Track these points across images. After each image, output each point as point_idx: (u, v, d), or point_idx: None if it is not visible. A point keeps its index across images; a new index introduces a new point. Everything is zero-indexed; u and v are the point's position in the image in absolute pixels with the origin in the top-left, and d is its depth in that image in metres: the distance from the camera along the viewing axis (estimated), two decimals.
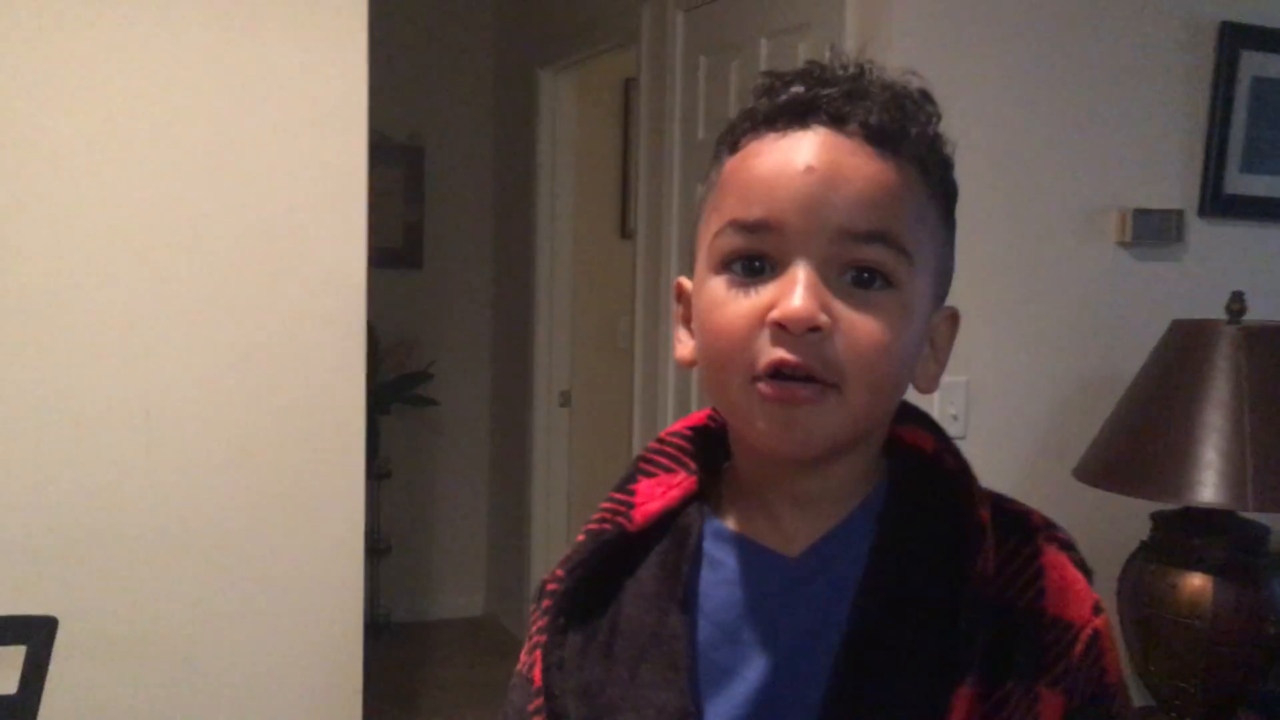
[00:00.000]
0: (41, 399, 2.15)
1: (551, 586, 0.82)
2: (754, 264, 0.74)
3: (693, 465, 0.85)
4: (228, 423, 2.25)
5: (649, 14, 3.33)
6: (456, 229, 4.81)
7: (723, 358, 0.75)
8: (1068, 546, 0.79)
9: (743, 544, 0.81)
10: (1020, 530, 0.78)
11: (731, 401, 0.76)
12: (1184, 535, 2.05)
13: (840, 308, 0.72)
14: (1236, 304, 2.06)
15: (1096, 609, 0.78)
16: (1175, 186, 2.51)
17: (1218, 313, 2.09)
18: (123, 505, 2.19)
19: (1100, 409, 2.20)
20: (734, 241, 0.75)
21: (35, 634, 1.68)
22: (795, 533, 0.79)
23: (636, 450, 3.68)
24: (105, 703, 2.19)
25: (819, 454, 0.76)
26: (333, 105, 2.28)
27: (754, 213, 0.74)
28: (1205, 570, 1.99)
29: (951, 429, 1.23)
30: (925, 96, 0.79)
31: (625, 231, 4.42)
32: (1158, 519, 2.12)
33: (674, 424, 0.89)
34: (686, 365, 0.84)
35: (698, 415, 0.89)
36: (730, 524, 0.82)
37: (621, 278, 3.96)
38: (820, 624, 0.76)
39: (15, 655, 1.72)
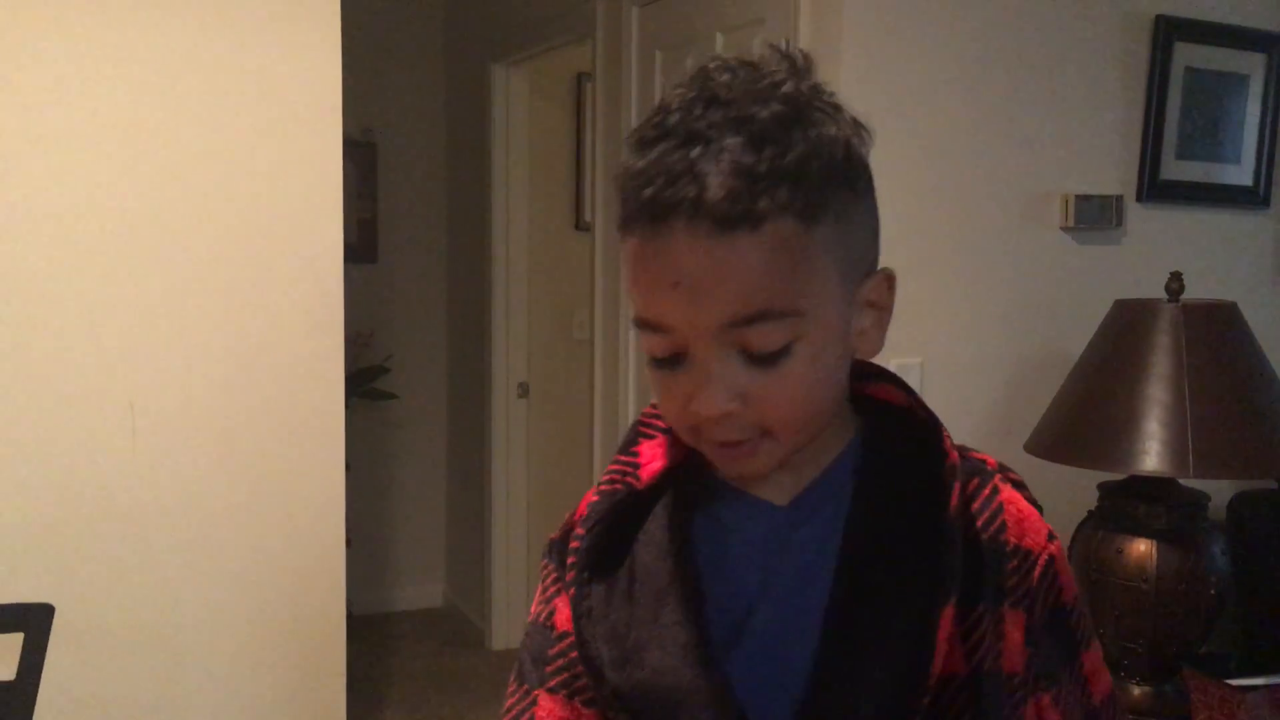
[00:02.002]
0: (32, 392, 2.17)
1: (574, 544, 0.89)
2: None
3: None
4: (211, 415, 2.28)
5: (603, 9, 3.38)
6: (410, 224, 4.85)
7: (669, 423, 0.86)
8: (1020, 485, 0.91)
9: (737, 496, 0.89)
10: (980, 473, 0.88)
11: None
12: (1129, 503, 2.12)
13: (748, 381, 0.78)
14: (1176, 283, 2.14)
15: (1050, 536, 0.88)
16: (1114, 173, 2.63)
17: (1157, 292, 2.18)
18: (110, 495, 2.21)
19: (1048, 386, 2.29)
20: (645, 337, 0.81)
21: (33, 621, 1.71)
22: (782, 485, 0.87)
23: (598, 439, 3.71)
24: (98, 689, 2.22)
25: (768, 473, 0.85)
26: (307, 102, 2.32)
27: (648, 315, 0.79)
28: (1149, 536, 2.06)
29: None
30: (791, 120, 0.75)
31: (580, 224, 4.47)
32: (1104, 489, 2.20)
33: None
34: None
35: None
36: (723, 479, 0.90)
37: (577, 270, 4.00)
38: (812, 564, 0.85)
39: (13, 642, 1.75)
